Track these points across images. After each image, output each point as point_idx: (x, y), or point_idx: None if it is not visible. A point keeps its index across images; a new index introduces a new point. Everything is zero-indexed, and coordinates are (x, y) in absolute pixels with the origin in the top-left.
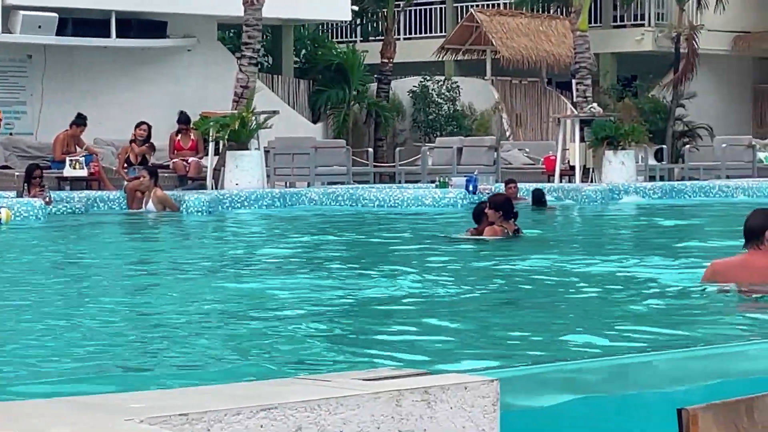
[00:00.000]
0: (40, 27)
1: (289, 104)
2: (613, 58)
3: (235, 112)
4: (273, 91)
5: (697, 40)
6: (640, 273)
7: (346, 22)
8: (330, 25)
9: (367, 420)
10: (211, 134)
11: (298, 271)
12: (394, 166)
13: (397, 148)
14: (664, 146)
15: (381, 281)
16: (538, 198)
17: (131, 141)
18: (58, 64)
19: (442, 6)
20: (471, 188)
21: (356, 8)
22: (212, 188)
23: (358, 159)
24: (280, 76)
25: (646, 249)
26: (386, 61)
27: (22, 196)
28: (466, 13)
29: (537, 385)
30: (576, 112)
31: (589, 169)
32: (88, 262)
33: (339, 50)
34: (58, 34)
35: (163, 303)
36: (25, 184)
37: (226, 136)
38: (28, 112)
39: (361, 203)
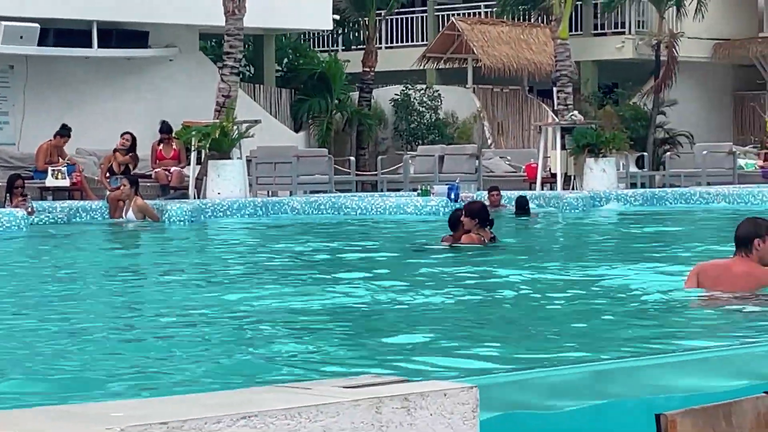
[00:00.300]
0: (21, 37)
1: (271, 113)
2: (593, 65)
3: (217, 121)
4: (255, 100)
5: (677, 47)
6: (619, 280)
7: (327, 31)
8: (311, 35)
9: (347, 427)
10: (193, 144)
11: (279, 280)
12: (376, 175)
13: (379, 157)
14: (645, 153)
15: (359, 290)
16: (522, 205)
17: (114, 150)
18: (40, 75)
19: (424, 15)
20: (453, 196)
21: (337, 17)
22: (194, 197)
23: (340, 168)
24: (261, 86)
25: (625, 256)
26: (368, 69)
27: (4, 206)
28: (448, 22)
29: (518, 392)
30: (557, 120)
31: (570, 176)
32: (69, 271)
33: (321, 59)
34: (39, 44)
35: (142, 312)
36: (7, 195)
37: (208, 146)
38: (10, 123)
39: (343, 212)
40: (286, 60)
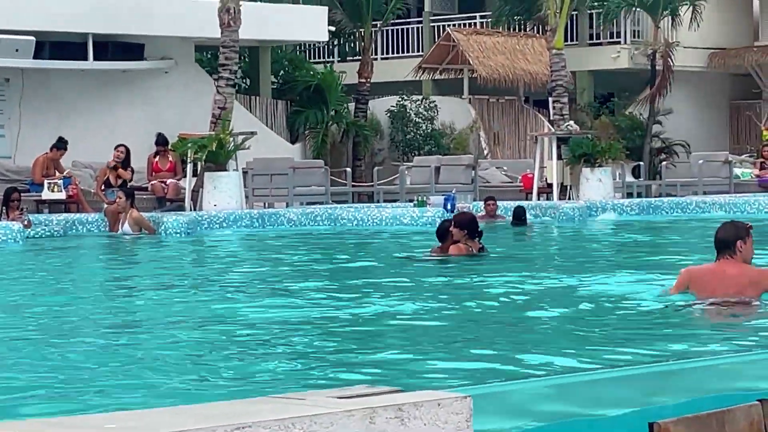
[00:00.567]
0: (17, 51)
1: (267, 125)
2: (589, 75)
3: (213, 133)
4: (251, 112)
5: (672, 57)
6: (612, 289)
7: (323, 42)
8: (307, 46)
9: None
10: (189, 156)
11: (273, 292)
12: (372, 186)
13: (376, 168)
14: (642, 163)
15: (351, 301)
16: (519, 215)
17: (114, 167)
18: (36, 88)
19: (419, 26)
20: (449, 207)
21: (333, 29)
22: (191, 209)
23: (336, 179)
24: (257, 97)
25: (621, 265)
26: (364, 81)
27: (0, 220)
28: (443, 33)
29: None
30: (553, 130)
31: (566, 186)
32: (64, 283)
33: (316, 71)
34: (35, 57)
35: (137, 324)
36: (3, 208)
37: (204, 158)
38: (6, 136)
39: (339, 223)
40: (281, 72)
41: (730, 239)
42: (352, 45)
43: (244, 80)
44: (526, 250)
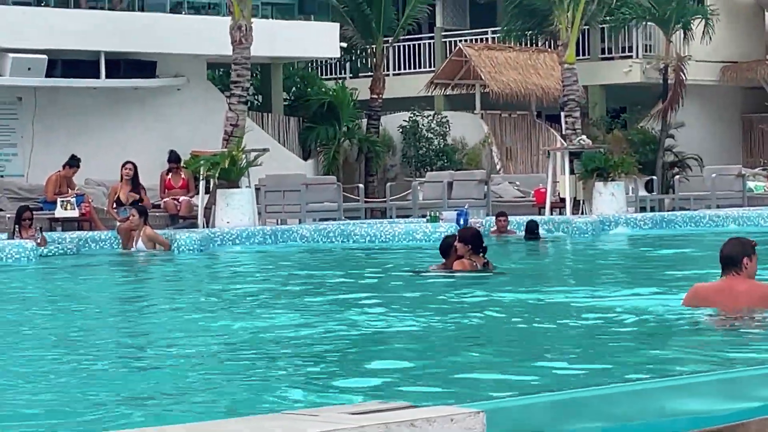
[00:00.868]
0: (29, 69)
1: (279, 142)
2: (601, 90)
3: (225, 150)
4: (263, 129)
5: (684, 70)
6: (625, 303)
7: (335, 59)
8: (319, 63)
9: None
10: (201, 173)
11: (285, 308)
12: (385, 202)
13: (388, 184)
14: (655, 177)
15: (362, 317)
16: (531, 229)
17: (132, 190)
18: (49, 106)
19: (431, 41)
20: (462, 222)
21: (345, 45)
22: (203, 226)
23: (349, 195)
24: (270, 114)
25: (634, 280)
26: (376, 96)
27: (13, 238)
28: (455, 48)
29: (525, 416)
30: (565, 145)
31: (579, 201)
32: (78, 301)
33: (328, 87)
34: (47, 75)
35: (151, 341)
36: (16, 226)
37: (217, 175)
38: (18, 154)
39: (352, 239)
40: (294, 88)
41: (736, 256)
42: (364, 61)
43: (256, 97)
44: (537, 264)
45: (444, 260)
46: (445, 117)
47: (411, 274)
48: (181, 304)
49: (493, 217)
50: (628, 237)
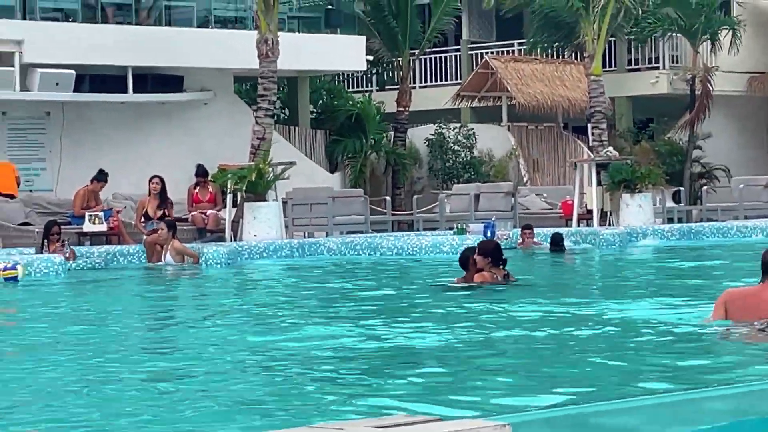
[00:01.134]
0: (57, 84)
1: (306, 155)
2: (628, 101)
3: (253, 163)
4: (290, 142)
5: (711, 81)
6: (651, 315)
7: (361, 72)
8: (345, 76)
9: None
10: (229, 186)
11: (311, 321)
12: (412, 214)
13: (415, 196)
14: (682, 188)
15: (387, 330)
16: (556, 241)
17: (160, 204)
18: (76, 120)
19: (457, 54)
20: (489, 234)
21: (371, 58)
22: (231, 240)
23: (375, 208)
24: (296, 127)
25: (660, 291)
26: (402, 109)
27: (41, 253)
28: (481, 60)
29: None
30: (592, 156)
31: (606, 212)
32: (106, 315)
33: (355, 100)
34: (75, 90)
35: (178, 355)
36: (44, 241)
37: (244, 188)
38: (47, 169)
39: (379, 252)
40: (320, 101)
41: None
42: (390, 74)
43: (282, 110)
44: (560, 276)
45: (465, 273)
46: (472, 129)
47: (434, 287)
48: (209, 318)
49: (520, 230)
50: (655, 248)
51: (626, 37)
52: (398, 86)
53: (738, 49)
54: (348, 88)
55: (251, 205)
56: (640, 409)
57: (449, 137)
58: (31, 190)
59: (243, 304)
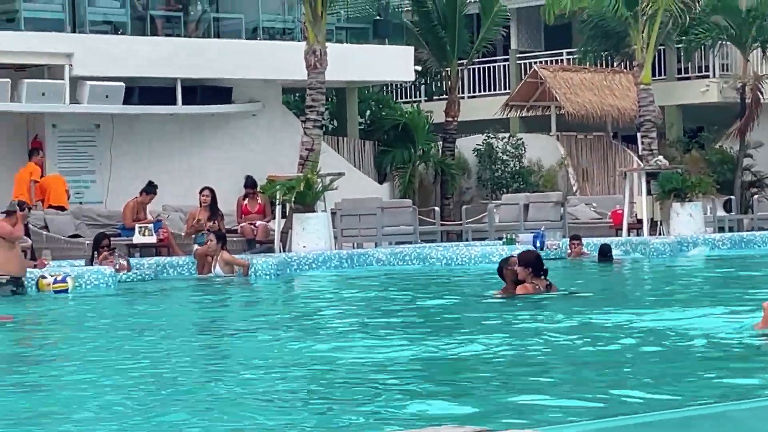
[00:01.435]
0: (107, 97)
1: (354, 165)
2: (678, 110)
3: (301, 174)
4: (338, 152)
5: (762, 90)
6: (701, 324)
7: (409, 82)
8: (394, 86)
9: None
10: (277, 197)
11: (361, 332)
12: (460, 224)
13: (464, 206)
14: (733, 197)
15: (434, 340)
16: (604, 252)
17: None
18: (126, 133)
19: (506, 63)
20: (538, 244)
21: (419, 68)
22: (280, 251)
23: (424, 218)
24: (345, 138)
25: (711, 300)
26: (450, 119)
27: (91, 264)
28: (530, 70)
29: None
30: (642, 165)
31: (656, 222)
32: (157, 326)
33: (403, 110)
34: (124, 102)
35: (230, 365)
36: (94, 253)
37: (293, 199)
38: (97, 181)
39: (428, 262)
40: (368, 112)
41: None
42: (439, 84)
43: (331, 121)
44: (607, 286)
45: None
46: (521, 139)
47: (479, 297)
48: (258, 329)
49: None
50: (706, 258)
51: (676, 46)
52: (447, 96)
53: None
54: (396, 98)
55: (300, 216)
56: (693, 419)
57: (498, 147)
58: (81, 203)
59: (292, 315)
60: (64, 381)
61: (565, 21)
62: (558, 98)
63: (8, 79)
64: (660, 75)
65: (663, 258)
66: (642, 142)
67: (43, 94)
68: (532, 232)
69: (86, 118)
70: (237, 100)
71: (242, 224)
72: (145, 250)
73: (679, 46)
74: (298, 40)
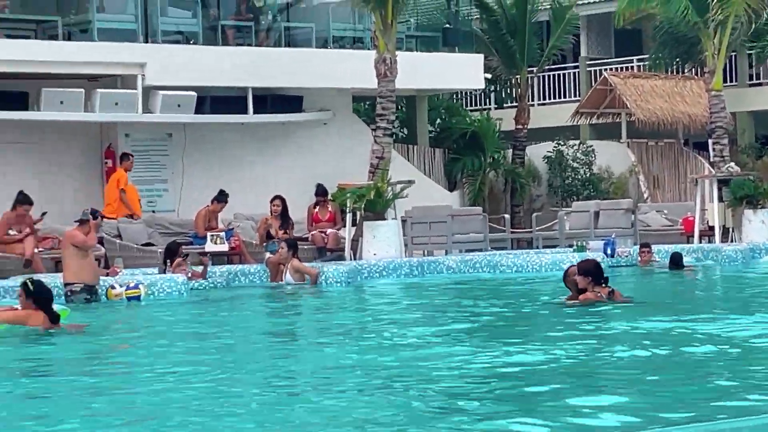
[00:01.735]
0: (179, 106)
1: (424, 173)
2: (749, 116)
3: (372, 182)
4: (409, 160)
5: None
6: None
7: (479, 90)
8: (463, 94)
9: None
10: (348, 205)
11: (432, 340)
12: (531, 232)
13: (534, 214)
14: None
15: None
16: (675, 261)
17: (282, 225)
18: (197, 142)
19: (576, 70)
20: (609, 251)
21: (489, 76)
22: (351, 259)
23: (494, 225)
24: (415, 146)
25: None
26: (520, 127)
27: (164, 272)
28: (600, 77)
29: None
30: (713, 172)
31: (728, 229)
32: (229, 334)
33: (473, 118)
34: (196, 112)
35: (302, 373)
36: (167, 261)
37: (363, 207)
38: (169, 190)
39: (499, 269)
40: (438, 120)
41: None
42: (509, 91)
43: (401, 129)
44: (676, 293)
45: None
46: (591, 146)
47: (549, 305)
48: (330, 337)
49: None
50: None
51: (747, 52)
52: (516, 104)
53: None
54: (466, 106)
55: (370, 224)
56: (755, 428)
57: (568, 154)
58: (153, 211)
59: (364, 323)
60: (139, 390)
61: (636, 27)
62: (628, 105)
63: (82, 90)
64: (731, 81)
65: (735, 265)
66: (713, 149)
67: (117, 103)
68: (602, 240)
69: (158, 128)
70: (307, 109)
71: (313, 232)
72: (217, 258)
73: (751, 52)
74: (369, 49)
